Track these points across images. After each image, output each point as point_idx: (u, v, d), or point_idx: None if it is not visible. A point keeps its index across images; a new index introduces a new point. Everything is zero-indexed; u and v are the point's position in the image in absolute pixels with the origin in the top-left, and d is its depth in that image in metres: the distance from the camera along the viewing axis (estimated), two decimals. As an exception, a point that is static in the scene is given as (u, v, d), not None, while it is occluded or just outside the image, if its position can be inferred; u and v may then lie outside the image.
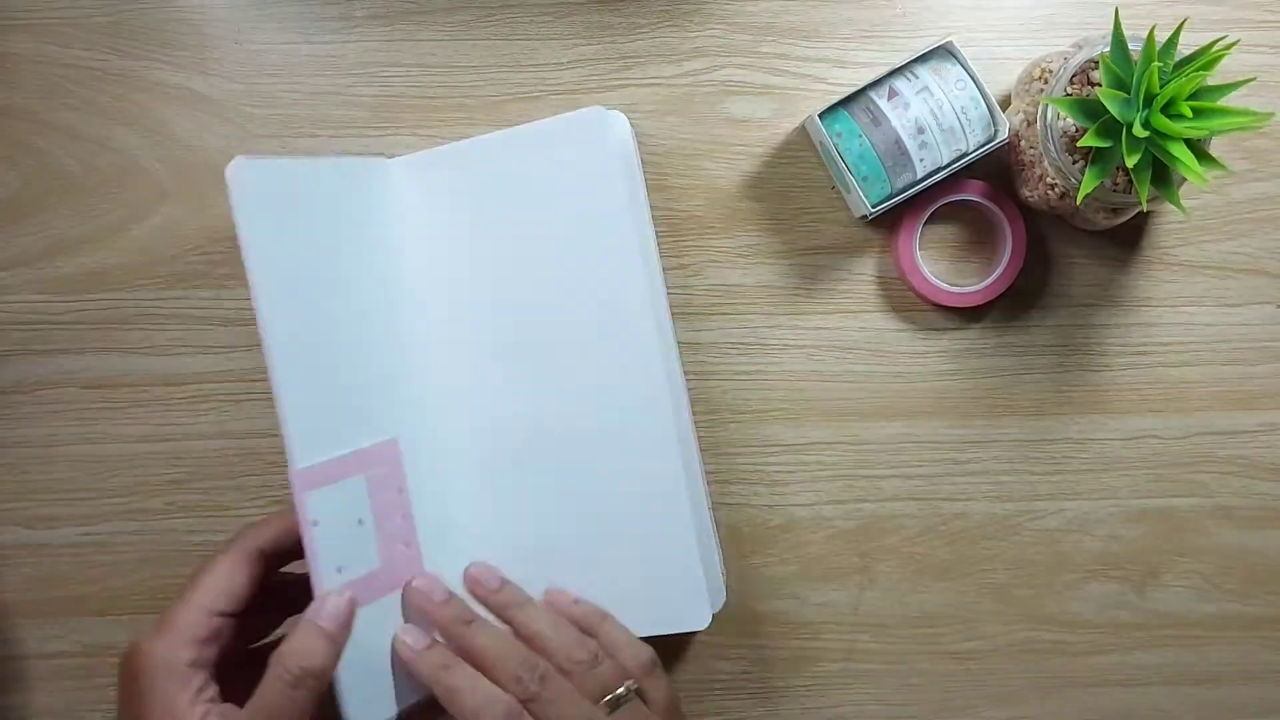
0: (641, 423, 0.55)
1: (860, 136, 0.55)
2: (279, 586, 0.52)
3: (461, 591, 0.55)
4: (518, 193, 0.55)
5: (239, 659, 0.49)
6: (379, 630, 0.51)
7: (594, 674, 0.50)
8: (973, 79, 0.55)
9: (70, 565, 0.61)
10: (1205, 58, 0.50)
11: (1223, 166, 0.51)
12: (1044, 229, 0.61)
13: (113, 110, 0.60)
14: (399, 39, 0.60)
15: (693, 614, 0.55)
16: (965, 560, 0.61)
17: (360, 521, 0.52)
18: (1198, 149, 0.51)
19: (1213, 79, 0.51)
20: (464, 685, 0.49)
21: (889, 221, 0.61)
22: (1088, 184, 0.51)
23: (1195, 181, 0.50)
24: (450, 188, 0.56)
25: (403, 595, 0.52)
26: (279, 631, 0.53)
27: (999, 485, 0.61)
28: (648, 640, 0.54)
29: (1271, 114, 0.50)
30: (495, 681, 0.50)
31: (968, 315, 0.61)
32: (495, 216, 0.56)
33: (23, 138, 0.60)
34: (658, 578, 0.55)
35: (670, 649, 0.61)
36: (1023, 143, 0.56)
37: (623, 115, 0.58)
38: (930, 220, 0.60)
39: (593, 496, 0.56)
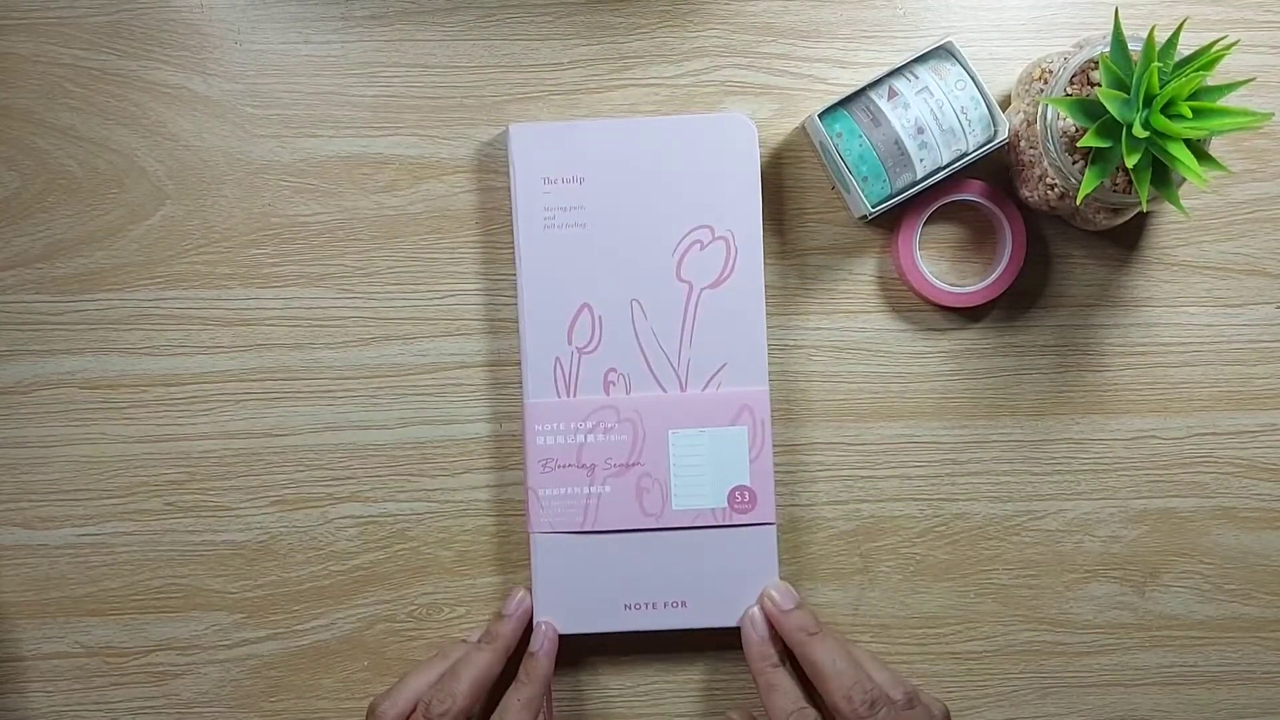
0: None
1: (860, 137, 0.55)
2: None
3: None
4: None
5: None
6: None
7: (907, 714, 0.54)
8: (973, 79, 0.55)
9: (69, 566, 0.61)
10: (1205, 58, 0.50)
11: (1222, 167, 0.51)
12: (1044, 229, 0.61)
13: (112, 110, 0.60)
14: (399, 39, 0.60)
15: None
16: (965, 561, 0.61)
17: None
18: (1198, 149, 0.51)
19: (1212, 79, 0.51)
20: (781, 685, 0.55)
21: (889, 221, 0.61)
22: (1088, 184, 0.51)
23: (1195, 182, 0.50)
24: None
25: (760, 599, 0.58)
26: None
27: (999, 486, 0.61)
28: (709, 639, 0.59)
29: (1271, 114, 0.50)
30: (825, 694, 0.54)
31: (968, 315, 0.61)
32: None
33: (22, 138, 0.60)
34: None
35: (673, 652, 0.61)
36: (1023, 143, 0.56)
37: (752, 124, 0.58)
38: (930, 220, 0.60)
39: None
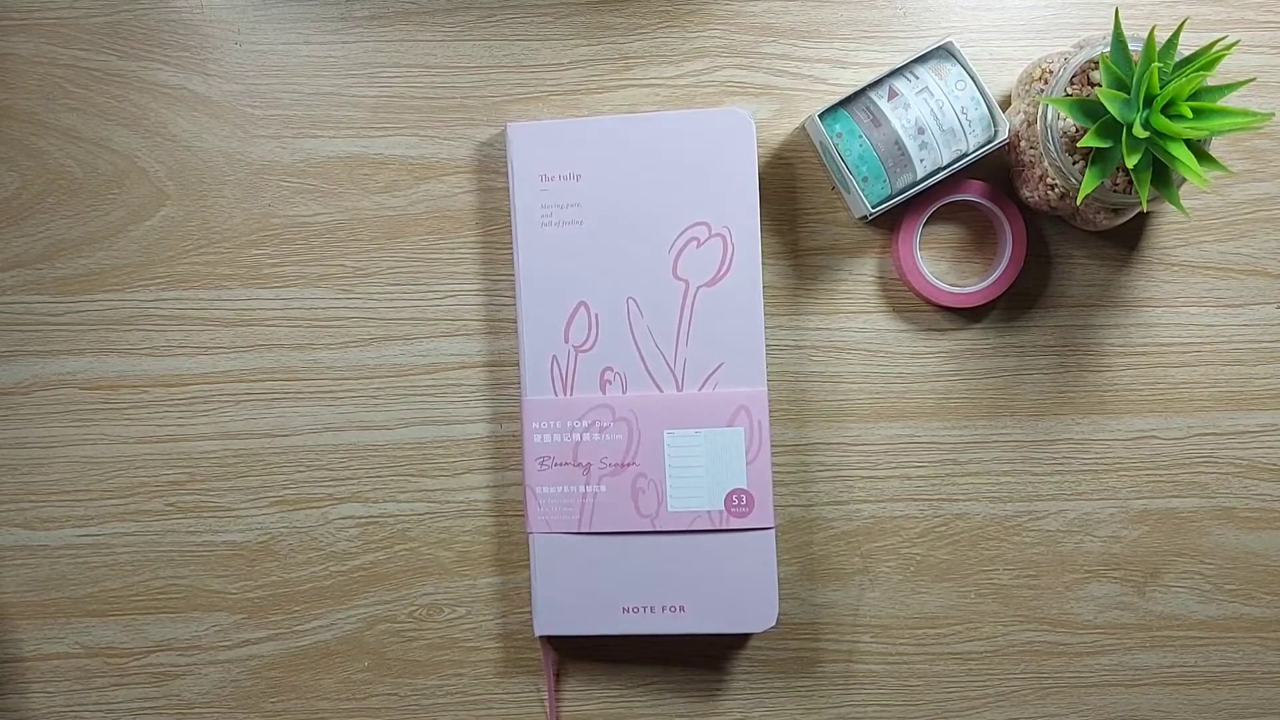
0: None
1: (860, 137, 0.55)
2: None
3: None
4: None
5: None
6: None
7: None
8: (973, 79, 0.55)
9: (69, 566, 0.61)
10: (1205, 58, 0.50)
11: (1223, 167, 0.51)
12: (1044, 229, 0.61)
13: (112, 111, 0.60)
14: (399, 39, 0.60)
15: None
16: (966, 561, 0.61)
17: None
18: (1198, 149, 0.51)
19: (1213, 79, 0.51)
20: None
21: (889, 222, 0.61)
22: (1088, 184, 0.51)
23: (1195, 182, 0.50)
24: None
25: None
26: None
27: (999, 486, 0.61)
28: (707, 639, 0.58)
29: (1271, 114, 0.50)
30: None
31: (968, 315, 0.61)
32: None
33: (22, 138, 0.60)
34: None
35: (671, 653, 0.61)
36: (1023, 143, 0.56)
37: (750, 118, 0.58)
38: (930, 220, 0.60)
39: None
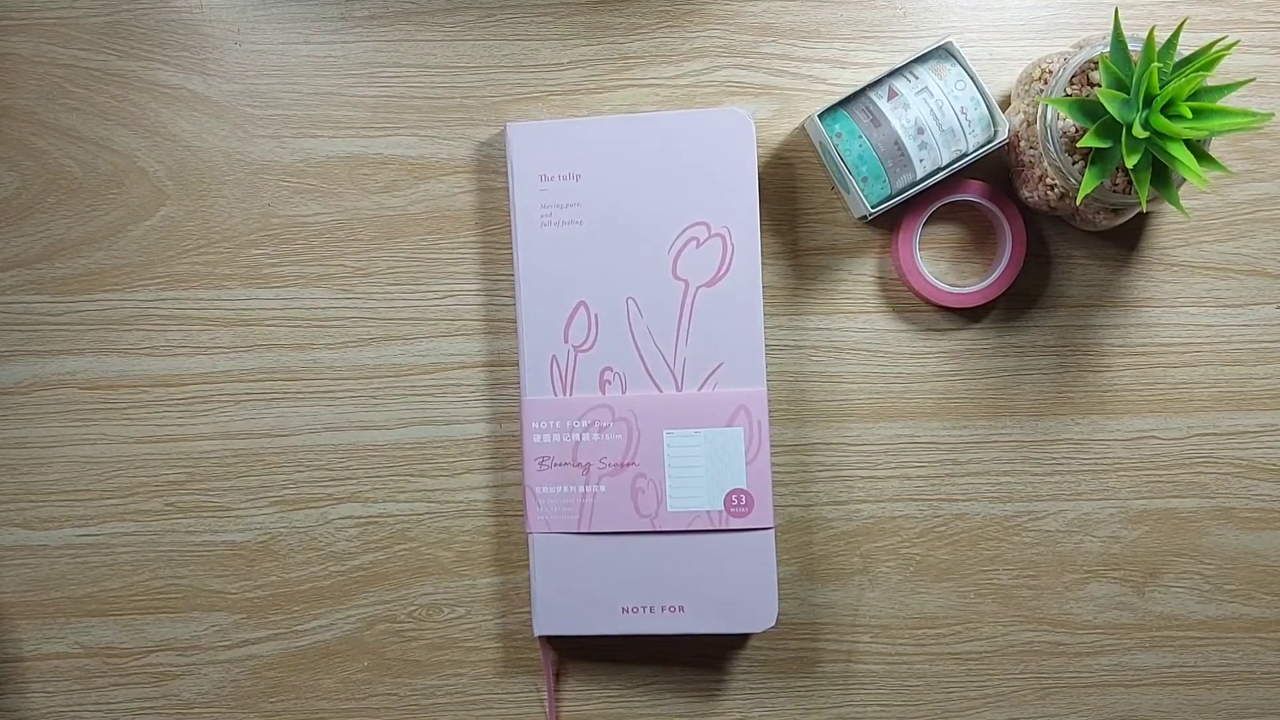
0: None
1: (860, 137, 0.55)
2: None
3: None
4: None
5: None
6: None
7: None
8: (972, 79, 0.55)
9: (69, 566, 0.61)
10: (1205, 58, 0.50)
11: (1222, 167, 0.51)
12: (1044, 229, 0.61)
13: (112, 111, 0.60)
14: (399, 39, 0.60)
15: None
16: (965, 561, 0.61)
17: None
18: (1197, 149, 0.51)
19: (1212, 79, 0.51)
20: None
21: (889, 222, 0.61)
22: (1088, 184, 0.51)
23: (1195, 182, 0.50)
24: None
25: None
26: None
27: (999, 486, 0.61)
28: (707, 639, 0.59)
29: (1271, 114, 0.50)
30: None
31: (968, 315, 0.61)
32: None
33: (22, 138, 0.60)
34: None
35: (671, 653, 0.61)
36: (1023, 143, 0.56)
37: (749, 118, 0.58)
38: (930, 220, 0.60)
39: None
